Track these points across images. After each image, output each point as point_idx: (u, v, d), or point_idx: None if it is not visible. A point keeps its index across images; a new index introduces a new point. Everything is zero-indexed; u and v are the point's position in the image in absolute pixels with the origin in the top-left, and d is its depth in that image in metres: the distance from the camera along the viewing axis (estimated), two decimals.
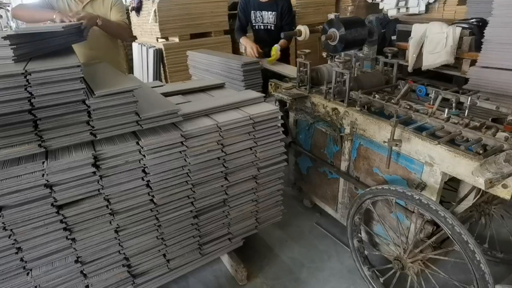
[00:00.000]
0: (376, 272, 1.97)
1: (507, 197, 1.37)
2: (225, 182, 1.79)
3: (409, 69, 3.19)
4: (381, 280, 1.93)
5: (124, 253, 1.64)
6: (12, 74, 1.18)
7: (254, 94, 1.95)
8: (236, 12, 4.70)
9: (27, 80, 1.22)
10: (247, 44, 3.25)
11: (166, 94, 1.99)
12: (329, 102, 2.12)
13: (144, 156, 1.50)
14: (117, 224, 1.56)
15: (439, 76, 3.24)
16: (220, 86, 2.27)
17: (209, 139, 1.63)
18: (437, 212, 1.45)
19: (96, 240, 1.53)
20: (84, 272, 1.58)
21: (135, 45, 4.88)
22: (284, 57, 3.40)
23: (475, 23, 2.91)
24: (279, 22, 3.28)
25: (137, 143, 1.48)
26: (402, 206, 1.79)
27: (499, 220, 2.08)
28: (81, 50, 2.39)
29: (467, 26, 2.91)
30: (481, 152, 1.45)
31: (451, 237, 1.44)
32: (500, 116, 1.79)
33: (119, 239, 1.60)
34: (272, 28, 3.31)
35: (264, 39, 3.35)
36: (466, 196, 1.76)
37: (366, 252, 2.02)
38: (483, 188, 1.38)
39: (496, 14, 2.49)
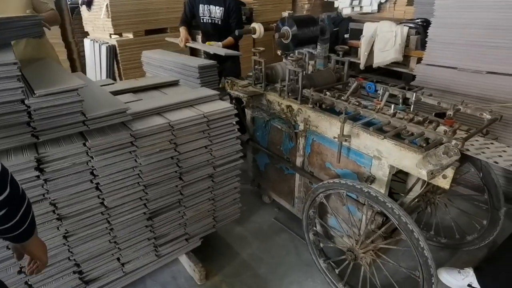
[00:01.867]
0: (332, 263, 2.04)
1: (447, 186, 1.47)
2: (180, 182, 1.76)
3: (361, 66, 3.31)
4: (337, 271, 2.00)
5: (74, 259, 1.57)
6: None
7: (208, 91, 1.94)
8: None
9: None
10: (181, 35, 3.28)
11: (116, 93, 1.92)
12: (284, 100, 2.15)
13: (92, 157, 1.44)
14: (66, 230, 1.49)
15: (389, 73, 3.39)
16: (174, 84, 2.22)
17: (161, 138, 1.60)
18: (385, 203, 1.53)
19: None
20: (29, 283, 1.49)
21: (87, 42, 4.66)
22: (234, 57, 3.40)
23: (420, 23, 3.07)
24: (226, 17, 3.26)
25: (84, 144, 1.41)
26: (353, 199, 1.86)
27: (443, 208, 2.22)
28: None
29: (413, 25, 3.06)
30: (424, 145, 1.54)
31: (398, 227, 1.51)
32: (442, 111, 1.91)
33: (68, 245, 1.53)
34: (219, 23, 3.28)
35: (211, 34, 3.34)
36: (412, 187, 1.85)
37: (321, 245, 2.07)
38: (426, 179, 1.47)
39: (437, 15, 2.64)
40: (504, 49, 2.32)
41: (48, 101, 1.30)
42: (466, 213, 2.19)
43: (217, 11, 3.26)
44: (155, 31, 4.41)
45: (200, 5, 3.27)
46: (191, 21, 3.46)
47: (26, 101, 1.27)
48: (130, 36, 4.22)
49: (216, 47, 3.07)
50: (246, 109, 2.55)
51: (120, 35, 4.26)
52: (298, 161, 2.22)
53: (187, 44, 3.27)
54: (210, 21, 3.31)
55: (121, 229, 1.65)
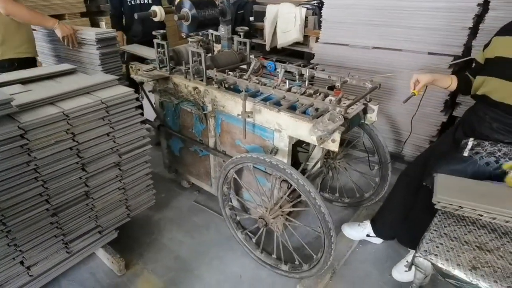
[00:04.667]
0: (249, 234, 2.16)
1: (336, 149, 1.64)
2: (84, 173, 1.69)
3: (267, 47, 3.46)
4: (254, 240, 2.12)
5: None
6: None
7: (106, 77, 1.87)
8: None
9: None
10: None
11: (1, 85, 1.75)
12: (190, 82, 2.16)
13: None
14: None
15: (293, 53, 3.60)
16: (70, 72, 2.09)
17: (55, 129, 1.51)
18: (284, 170, 1.66)
19: None
20: None
21: None
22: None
23: (316, 4, 3.29)
24: None
25: None
26: (262, 171, 1.98)
27: (344, 172, 2.48)
28: None
29: (310, 7, 3.27)
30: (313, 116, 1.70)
31: (297, 189, 1.66)
32: (333, 84, 2.11)
33: None
34: (150, 2, 3.13)
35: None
36: (310, 154, 2.03)
37: (238, 218, 2.18)
38: (316, 144, 1.63)
39: None
40: (385, 27, 2.62)
41: None
42: (362, 173, 2.46)
43: None
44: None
45: None
46: (121, 12, 3.21)
47: None
48: None
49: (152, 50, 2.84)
50: (154, 94, 2.51)
51: None
52: (211, 142, 2.27)
53: (122, 48, 2.84)
54: (138, 2, 3.11)
55: (21, 229, 1.54)
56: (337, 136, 1.60)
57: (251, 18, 3.62)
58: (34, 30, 2.92)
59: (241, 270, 2.07)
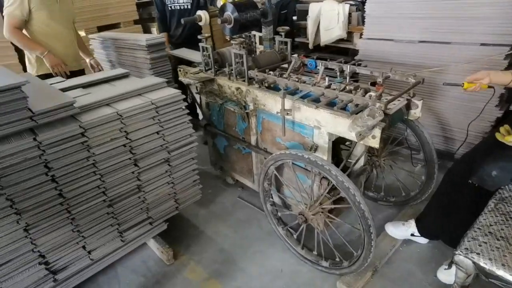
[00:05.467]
0: (290, 230, 2.20)
1: (376, 146, 1.63)
2: (136, 168, 1.84)
3: (310, 46, 3.46)
4: (295, 236, 2.16)
5: (38, 251, 1.64)
6: None
7: (155, 79, 2.01)
8: (143, 1, 4.63)
9: None
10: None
11: (66, 89, 1.97)
12: (233, 83, 2.25)
13: (44, 151, 1.50)
14: (26, 223, 1.55)
15: (337, 51, 3.56)
16: (124, 76, 2.28)
17: (111, 127, 1.67)
18: (323, 166, 1.68)
19: (3, 241, 1.51)
20: None
21: None
22: (195, 42, 3.46)
23: (359, 0, 3.24)
24: (195, 1, 3.28)
25: (34, 139, 1.47)
26: (302, 168, 2.01)
27: (389, 170, 2.42)
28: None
29: (353, 3, 3.22)
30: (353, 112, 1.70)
31: (336, 185, 1.67)
32: (375, 80, 2.08)
33: (30, 238, 1.59)
34: (188, 7, 3.31)
35: (178, 20, 3.35)
36: (352, 151, 2.02)
37: (279, 214, 2.23)
38: (356, 140, 1.63)
39: None
40: (432, 19, 2.52)
41: None
42: (408, 171, 2.39)
43: None
44: (108, 27, 4.37)
45: None
46: (166, 15, 3.42)
47: None
48: (83, 33, 4.16)
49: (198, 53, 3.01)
50: (200, 95, 2.64)
51: None
52: (252, 139, 2.34)
53: (171, 52, 3.08)
54: (178, 7, 3.31)
55: (82, 217, 1.72)
56: (377, 132, 1.60)
57: (294, 18, 3.65)
58: (93, 38, 3.21)
59: (281, 264, 2.12)
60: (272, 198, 2.21)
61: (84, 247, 1.81)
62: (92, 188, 1.70)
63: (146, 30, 4.77)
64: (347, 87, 1.83)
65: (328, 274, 2.00)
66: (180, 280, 2.06)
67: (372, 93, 1.73)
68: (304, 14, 3.53)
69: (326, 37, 3.29)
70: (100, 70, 2.85)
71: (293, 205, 2.20)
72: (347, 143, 2.32)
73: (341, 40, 3.34)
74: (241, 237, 2.34)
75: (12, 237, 1.53)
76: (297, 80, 1.96)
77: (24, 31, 2.51)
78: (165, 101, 1.85)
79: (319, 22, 3.34)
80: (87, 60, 2.92)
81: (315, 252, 2.07)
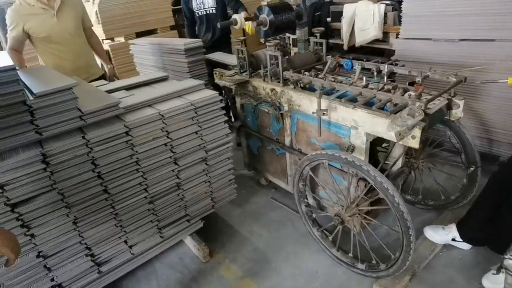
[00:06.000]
0: (325, 232, 2.18)
1: (416, 146, 1.60)
2: (176, 166, 1.91)
3: (345, 47, 3.43)
4: (330, 238, 2.14)
5: (85, 243, 1.73)
6: None
7: (194, 82, 2.08)
8: (178, 7, 4.78)
9: None
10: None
11: (111, 91, 2.07)
12: (267, 84, 2.28)
13: (91, 149, 1.59)
14: (75, 216, 1.65)
15: (372, 51, 3.51)
16: (163, 79, 2.37)
17: (153, 127, 1.75)
18: (361, 166, 1.66)
19: (55, 233, 1.61)
20: (47, 265, 1.65)
21: None
22: (226, 45, 3.53)
23: None
24: (220, 5, 3.36)
25: (83, 137, 1.57)
26: (338, 169, 2.00)
27: (427, 172, 2.35)
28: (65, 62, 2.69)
29: (389, 2, 3.17)
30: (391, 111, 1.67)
31: (374, 186, 1.65)
32: (413, 80, 2.03)
33: (78, 230, 1.68)
34: (214, 11, 3.40)
35: (207, 25, 3.44)
36: (390, 152, 1.99)
37: (314, 215, 2.22)
38: (395, 140, 1.60)
39: None
40: (473, 16, 2.43)
41: (46, 100, 1.46)
42: (448, 174, 2.31)
43: (209, 1, 3.36)
44: (146, 33, 4.54)
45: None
46: (194, 21, 3.54)
47: (27, 102, 1.42)
48: (122, 39, 4.36)
49: (232, 56, 3.07)
50: (235, 97, 2.68)
51: (112, 39, 4.40)
52: (287, 140, 2.36)
53: (207, 56, 3.07)
54: (204, 12, 3.42)
55: (125, 213, 1.80)
56: (417, 132, 1.56)
57: (328, 19, 3.64)
58: (133, 44, 3.35)
59: (316, 266, 2.11)
60: (307, 199, 2.20)
61: (126, 241, 1.89)
62: (134, 185, 1.78)
63: (181, 35, 4.91)
64: (385, 86, 1.80)
65: (364, 276, 1.96)
66: (215, 277, 2.10)
67: (412, 93, 1.69)
68: (338, 15, 3.51)
69: (361, 38, 3.25)
70: (115, 80, 2.93)
71: (328, 206, 2.19)
72: (383, 145, 2.29)
73: (376, 41, 3.29)
74: (275, 238, 2.35)
75: (63, 229, 1.63)
76: (333, 80, 1.95)
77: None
78: (204, 102, 1.91)
79: (354, 23, 3.31)
80: (105, 66, 3.04)
81: (350, 254, 2.04)
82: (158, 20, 4.61)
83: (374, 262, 1.93)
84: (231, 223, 2.53)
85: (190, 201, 2.08)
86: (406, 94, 1.70)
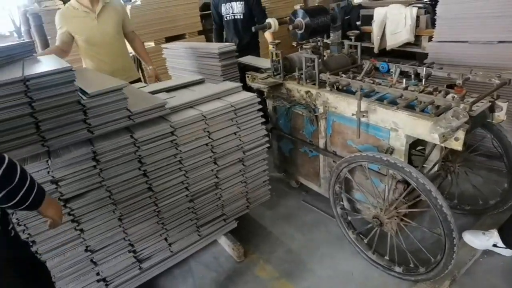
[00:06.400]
0: (360, 234, 2.17)
1: (459, 148, 1.58)
2: (215, 166, 1.95)
3: (375, 50, 3.42)
4: (365, 241, 2.13)
5: (129, 240, 1.79)
6: (13, 81, 1.32)
7: (232, 84, 2.13)
8: (206, 12, 4.88)
9: (27, 86, 1.35)
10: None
11: (152, 93, 2.13)
12: (302, 86, 2.30)
13: (138, 147, 1.65)
14: (120, 213, 1.71)
15: (403, 55, 3.48)
16: (200, 82, 2.42)
17: (196, 127, 1.80)
18: (403, 168, 1.66)
19: (102, 229, 1.68)
20: (93, 260, 1.72)
21: None
22: (254, 49, 3.58)
23: (428, 2, 3.15)
24: (247, 11, 3.43)
25: (131, 136, 1.63)
26: (375, 171, 1.99)
27: (464, 176, 2.31)
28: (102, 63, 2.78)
29: (422, 5, 3.15)
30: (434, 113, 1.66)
31: (416, 188, 1.64)
32: (452, 82, 2.02)
33: (123, 227, 1.74)
34: (241, 17, 3.46)
35: (235, 30, 3.52)
36: (429, 154, 1.97)
37: (349, 218, 2.21)
38: (438, 143, 1.59)
39: None
40: (509, 18, 2.39)
41: (99, 100, 1.52)
42: (487, 178, 2.27)
43: (238, 6, 3.43)
44: (175, 38, 4.65)
45: (222, 4, 3.46)
46: (222, 26, 3.63)
47: (81, 101, 1.49)
48: (152, 44, 4.47)
49: (263, 59, 3.16)
50: (267, 100, 2.71)
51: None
52: (321, 142, 2.36)
53: (239, 60, 3.06)
54: (232, 17, 3.49)
55: (167, 211, 1.85)
56: (461, 134, 1.55)
57: (358, 23, 3.64)
58: (165, 48, 3.44)
59: (351, 268, 2.10)
60: (342, 201, 2.20)
61: (166, 239, 1.94)
62: (177, 183, 1.83)
63: (209, 40, 5.00)
64: (426, 88, 1.79)
65: (402, 280, 1.94)
66: (251, 277, 2.12)
67: (453, 95, 1.68)
68: (368, 19, 3.51)
69: (393, 41, 3.24)
70: (158, 81, 3.01)
71: (363, 209, 2.18)
72: (418, 148, 2.27)
73: (407, 44, 3.27)
74: (308, 240, 2.36)
75: (109, 225, 1.69)
76: (372, 82, 1.96)
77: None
78: (243, 104, 1.95)
79: (385, 26, 3.30)
80: (147, 68, 3.13)
81: (386, 257, 2.03)
82: (187, 25, 4.71)
83: (412, 265, 1.91)
84: (263, 224, 2.55)
85: (226, 201, 2.11)
86: (449, 96, 1.69)
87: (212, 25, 4.00)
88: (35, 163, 1.47)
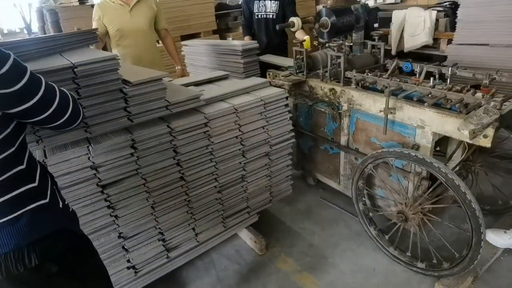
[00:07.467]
0: (382, 231, 2.21)
1: (488, 145, 1.62)
2: (243, 159, 1.99)
3: (393, 52, 3.47)
4: (387, 237, 2.17)
5: (159, 228, 1.83)
6: (64, 68, 1.36)
7: (260, 80, 2.17)
8: (220, 12, 4.94)
9: (75, 73, 1.40)
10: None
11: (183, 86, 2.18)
12: (326, 84, 2.34)
13: (174, 137, 1.69)
14: (153, 201, 1.74)
15: (420, 57, 3.52)
16: (224, 78, 2.47)
17: (227, 120, 1.84)
18: (432, 164, 1.69)
19: (135, 216, 1.71)
20: (125, 247, 1.75)
21: None
22: (282, 49, 3.61)
23: (448, 5, 3.20)
24: (280, 11, 3.45)
25: (168, 126, 1.67)
26: (400, 168, 2.03)
27: (484, 176, 2.34)
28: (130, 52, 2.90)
29: (441, 9, 3.19)
30: (462, 110, 1.70)
31: (445, 184, 1.68)
32: (477, 83, 2.05)
33: (155, 215, 1.78)
34: (274, 17, 3.48)
35: (265, 28, 3.53)
36: (453, 153, 2.00)
37: (370, 214, 2.25)
38: (468, 140, 1.63)
39: None
40: None
41: (140, 89, 1.57)
42: (506, 179, 2.30)
43: (272, 5, 3.44)
44: (189, 36, 4.70)
45: (256, 2, 3.47)
46: (251, 22, 3.64)
47: (124, 90, 1.53)
48: None
49: (282, 58, 3.18)
50: (288, 97, 2.75)
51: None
52: (343, 140, 2.40)
53: (259, 58, 3.05)
54: (265, 16, 3.50)
55: (197, 200, 1.89)
56: (490, 131, 1.59)
57: (376, 25, 3.69)
58: (186, 45, 3.49)
59: (374, 263, 2.13)
60: (364, 198, 2.24)
61: (193, 228, 1.97)
62: (207, 174, 1.87)
63: (222, 39, 5.06)
64: (454, 87, 1.83)
65: (425, 275, 1.97)
66: (273, 270, 2.15)
67: (482, 94, 1.72)
68: (386, 21, 3.55)
69: (411, 43, 3.29)
70: None
71: (384, 206, 2.21)
72: (437, 148, 2.30)
73: (425, 47, 3.31)
74: (329, 235, 2.39)
75: (142, 213, 1.73)
76: (398, 80, 2.00)
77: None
78: (272, 98, 1.99)
79: (403, 28, 3.34)
80: (176, 67, 3.21)
81: (408, 253, 2.06)
82: (202, 24, 4.77)
83: (434, 261, 1.94)
84: (283, 219, 2.59)
85: (251, 194, 2.15)
86: (478, 94, 1.72)
87: (226, 24, 4.00)
88: (76, 148, 1.51)
